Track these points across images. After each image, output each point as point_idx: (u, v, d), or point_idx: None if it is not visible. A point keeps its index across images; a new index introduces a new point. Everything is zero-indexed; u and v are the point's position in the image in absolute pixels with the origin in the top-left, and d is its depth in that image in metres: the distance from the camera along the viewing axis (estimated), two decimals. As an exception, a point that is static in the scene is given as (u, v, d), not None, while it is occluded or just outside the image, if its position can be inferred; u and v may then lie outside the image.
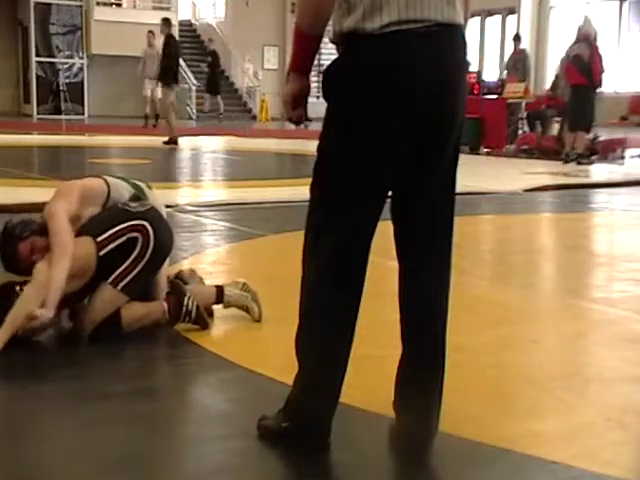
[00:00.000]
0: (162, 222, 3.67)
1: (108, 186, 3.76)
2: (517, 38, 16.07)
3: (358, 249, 2.40)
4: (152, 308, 3.64)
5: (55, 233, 3.47)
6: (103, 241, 3.52)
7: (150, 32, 18.81)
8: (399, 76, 2.27)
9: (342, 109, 2.34)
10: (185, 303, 3.62)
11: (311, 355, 2.44)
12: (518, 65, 15.40)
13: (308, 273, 2.42)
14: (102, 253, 3.51)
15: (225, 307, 3.81)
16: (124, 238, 3.53)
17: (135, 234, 3.54)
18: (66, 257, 3.41)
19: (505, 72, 15.83)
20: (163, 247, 3.61)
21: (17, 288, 3.47)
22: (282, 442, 2.49)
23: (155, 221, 3.60)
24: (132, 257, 3.52)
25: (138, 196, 3.79)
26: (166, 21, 15.81)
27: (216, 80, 24.12)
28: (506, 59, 16.64)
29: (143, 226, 3.55)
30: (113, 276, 3.50)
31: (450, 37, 2.35)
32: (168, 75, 15.00)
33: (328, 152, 2.39)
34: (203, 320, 3.66)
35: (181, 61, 26.98)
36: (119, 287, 3.50)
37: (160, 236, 3.58)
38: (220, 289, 3.81)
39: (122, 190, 3.80)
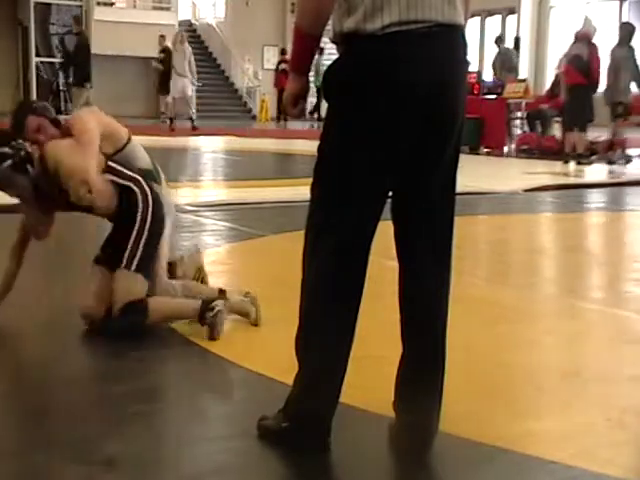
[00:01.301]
0: (159, 202, 3.69)
1: (129, 139, 3.82)
2: (499, 40, 16.31)
3: (358, 249, 2.40)
4: (183, 306, 3.65)
5: (88, 142, 3.56)
6: (114, 169, 3.62)
7: (182, 32, 18.91)
8: (399, 76, 2.28)
9: (343, 109, 2.35)
10: (213, 304, 3.56)
11: (311, 355, 2.44)
12: (505, 66, 15.54)
13: (308, 273, 2.43)
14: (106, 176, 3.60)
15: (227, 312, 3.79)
16: (127, 183, 3.60)
17: (136, 190, 3.60)
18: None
19: (492, 73, 15.98)
20: (157, 223, 3.65)
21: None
22: (282, 442, 2.49)
23: (155, 197, 3.65)
24: (133, 235, 3.56)
25: (153, 175, 3.81)
26: (75, 18, 15.73)
27: (167, 79, 21.83)
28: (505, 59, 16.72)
29: (145, 192, 3.61)
30: (124, 262, 3.54)
31: (450, 37, 2.35)
32: (80, 75, 14.92)
33: (328, 152, 2.39)
34: (215, 328, 3.53)
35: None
36: (133, 268, 3.54)
37: (156, 211, 3.62)
38: (223, 293, 3.78)
39: (140, 154, 3.85)
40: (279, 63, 23.76)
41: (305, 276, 2.44)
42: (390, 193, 2.44)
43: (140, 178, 3.66)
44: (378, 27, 2.26)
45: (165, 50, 22.20)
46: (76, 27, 15.44)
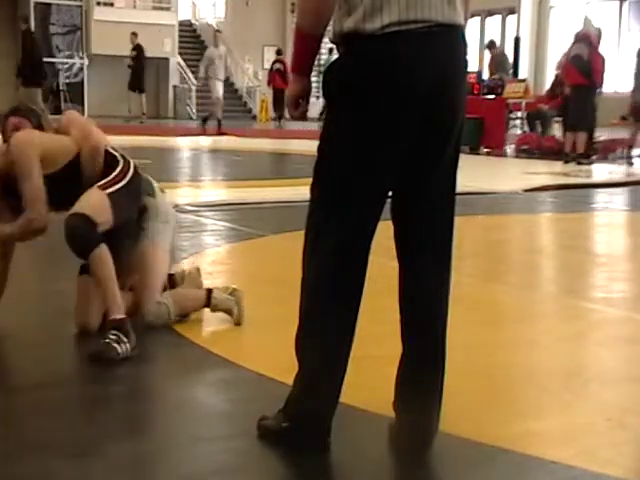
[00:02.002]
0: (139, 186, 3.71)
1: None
2: (492, 44, 16.44)
3: (358, 249, 2.40)
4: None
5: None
6: None
7: (217, 31, 18.72)
8: (399, 76, 2.28)
9: (342, 109, 2.35)
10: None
11: (311, 355, 2.44)
12: (499, 67, 15.63)
13: (308, 273, 2.43)
14: None
15: (212, 310, 3.78)
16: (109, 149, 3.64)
17: (115, 153, 3.62)
18: None
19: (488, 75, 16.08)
20: (136, 193, 3.65)
21: None
22: (282, 442, 2.49)
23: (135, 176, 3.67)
24: (116, 171, 3.55)
25: (147, 191, 3.79)
26: (23, 17, 15.70)
27: (141, 77, 21.85)
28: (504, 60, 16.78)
29: (126, 159, 3.64)
30: (101, 182, 3.50)
31: (450, 37, 2.35)
32: (29, 73, 14.85)
33: (328, 152, 2.39)
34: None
35: (181, 61, 26.97)
36: (107, 192, 3.46)
37: (135, 182, 3.62)
38: (209, 292, 3.78)
39: None
40: (273, 63, 23.77)
41: (305, 276, 2.44)
42: (390, 193, 2.45)
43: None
44: (378, 27, 2.26)
45: (137, 48, 21.86)
46: (22, 25, 15.34)
